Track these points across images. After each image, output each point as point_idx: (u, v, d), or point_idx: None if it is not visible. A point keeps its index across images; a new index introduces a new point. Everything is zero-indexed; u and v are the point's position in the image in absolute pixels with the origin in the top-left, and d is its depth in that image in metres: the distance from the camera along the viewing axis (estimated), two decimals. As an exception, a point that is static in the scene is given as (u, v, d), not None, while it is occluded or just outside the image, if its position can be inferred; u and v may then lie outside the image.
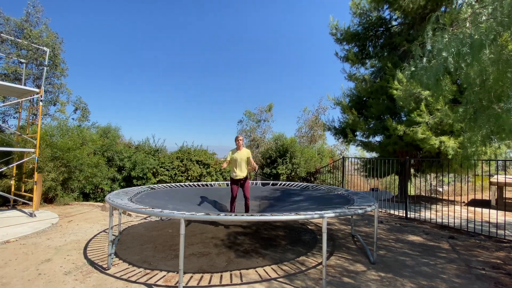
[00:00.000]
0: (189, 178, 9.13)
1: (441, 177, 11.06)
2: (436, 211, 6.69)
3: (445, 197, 10.26)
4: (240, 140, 4.80)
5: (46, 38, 8.92)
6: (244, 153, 4.84)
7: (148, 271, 3.13)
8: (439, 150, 6.25)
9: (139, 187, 5.18)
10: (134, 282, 2.85)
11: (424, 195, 10.22)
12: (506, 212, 6.46)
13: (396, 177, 9.51)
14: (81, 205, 7.11)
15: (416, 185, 11.20)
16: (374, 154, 9.39)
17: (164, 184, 5.67)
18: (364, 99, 9.01)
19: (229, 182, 5.19)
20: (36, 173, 5.69)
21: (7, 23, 8.53)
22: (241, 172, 4.81)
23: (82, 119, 10.64)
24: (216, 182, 6.14)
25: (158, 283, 2.84)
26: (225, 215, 2.83)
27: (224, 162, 4.85)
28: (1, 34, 7.82)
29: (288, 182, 6.36)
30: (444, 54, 3.08)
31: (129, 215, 5.89)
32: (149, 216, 5.78)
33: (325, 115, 17.71)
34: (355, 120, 8.40)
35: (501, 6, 2.73)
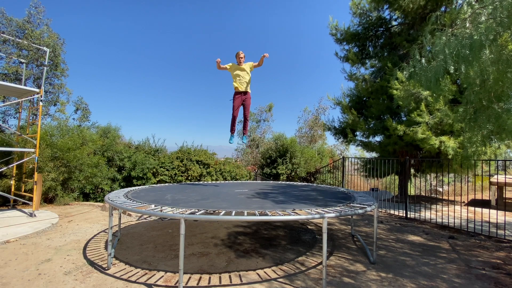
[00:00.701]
0: (189, 178, 9.14)
1: (441, 177, 11.06)
2: (436, 211, 6.69)
3: (445, 197, 10.26)
4: (242, 58, 4.74)
5: (47, 38, 8.92)
6: (246, 67, 4.80)
7: (148, 271, 3.13)
8: (439, 150, 6.25)
9: (139, 187, 5.18)
10: (134, 282, 2.85)
11: (424, 195, 10.22)
12: (506, 212, 6.46)
13: (396, 177, 9.51)
14: (81, 205, 7.12)
15: (416, 185, 11.21)
16: (374, 154, 9.39)
17: (164, 184, 5.68)
18: (364, 99, 9.01)
19: (228, 181, 5.26)
20: (36, 173, 5.69)
21: (10, 23, 8.54)
22: (242, 85, 4.82)
23: (82, 119, 10.63)
24: (216, 182, 6.14)
25: (158, 283, 2.84)
26: (225, 214, 2.83)
27: (221, 64, 4.80)
28: (2, 34, 7.82)
29: (288, 182, 6.36)
30: (442, 55, 3.08)
31: (129, 215, 5.89)
32: (149, 216, 5.78)
33: (325, 115, 17.74)
34: (355, 120, 8.40)
35: (501, 6, 2.73)
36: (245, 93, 4.89)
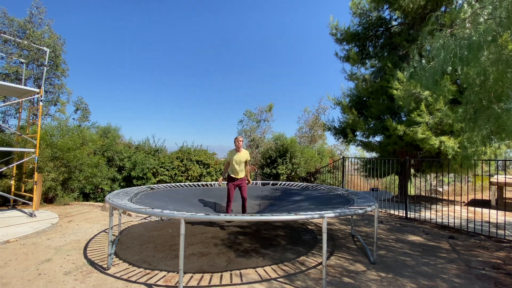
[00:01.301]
0: (189, 178, 9.13)
1: (441, 177, 11.06)
2: (436, 211, 6.69)
3: (445, 197, 10.26)
4: (240, 142, 4.79)
5: (48, 39, 8.93)
6: (243, 155, 4.84)
7: (148, 271, 3.13)
8: (439, 150, 6.25)
9: (139, 187, 5.18)
10: (134, 282, 2.85)
11: (424, 195, 10.23)
12: (506, 212, 6.46)
13: (396, 177, 9.51)
14: (81, 205, 7.12)
15: (416, 185, 11.21)
16: (374, 154, 9.39)
17: (164, 184, 5.67)
18: (364, 99, 9.01)
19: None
20: (36, 173, 5.69)
21: (11, 23, 8.54)
22: (239, 173, 4.81)
23: (82, 119, 10.64)
24: (216, 182, 6.14)
25: (158, 283, 2.85)
26: (225, 215, 2.83)
27: (223, 170, 4.99)
28: (2, 34, 7.82)
29: (288, 182, 6.36)
30: (440, 57, 3.08)
31: (129, 215, 5.89)
32: (149, 216, 5.78)
33: (325, 115, 17.74)
34: (355, 120, 8.40)
35: (500, 6, 2.73)
36: (241, 178, 4.86)
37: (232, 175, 4.81)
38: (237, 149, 4.83)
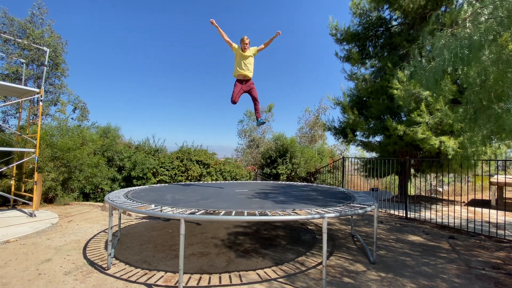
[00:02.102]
0: (189, 178, 9.14)
1: (441, 177, 11.06)
2: (436, 211, 6.68)
3: (445, 197, 10.26)
4: (246, 44, 4.51)
5: (48, 38, 8.92)
6: (249, 53, 4.59)
7: (148, 271, 3.13)
8: (439, 150, 6.25)
9: (139, 187, 5.18)
10: (134, 282, 2.85)
11: (424, 195, 10.22)
12: (506, 212, 6.46)
13: (396, 177, 9.51)
14: (81, 205, 7.11)
15: (416, 185, 11.21)
16: (374, 154, 9.39)
17: (164, 184, 5.67)
18: (364, 99, 9.01)
19: (229, 181, 5.19)
20: (36, 173, 5.69)
21: (12, 23, 8.54)
22: (244, 71, 4.58)
23: (81, 119, 10.61)
24: (216, 183, 6.14)
25: (158, 283, 2.84)
26: (225, 214, 2.83)
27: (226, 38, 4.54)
28: (2, 34, 7.81)
29: (288, 182, 6.36)
30: (441, 56, 3.08)
31: (129, 215, 5.89)
32: (149, 216, 5.78)
33: (325, 115, 17.75)
34: (355, 120, 8.39)
35: (501, 5, 2.73)
36: (247, 80, 4.67)
37: (237, 73, 4.59)
38: (243, 50, 4.56)
